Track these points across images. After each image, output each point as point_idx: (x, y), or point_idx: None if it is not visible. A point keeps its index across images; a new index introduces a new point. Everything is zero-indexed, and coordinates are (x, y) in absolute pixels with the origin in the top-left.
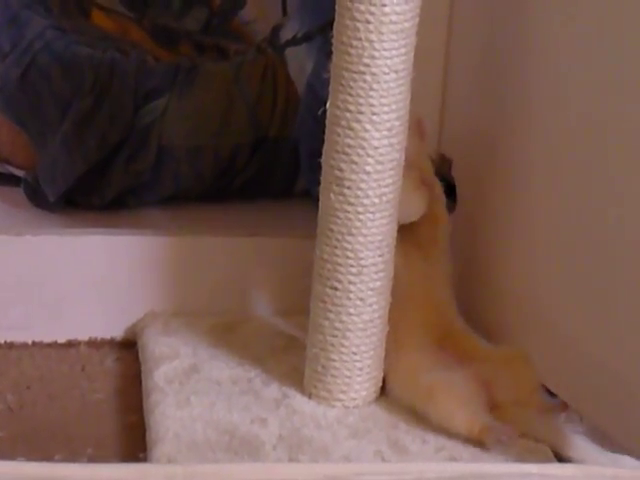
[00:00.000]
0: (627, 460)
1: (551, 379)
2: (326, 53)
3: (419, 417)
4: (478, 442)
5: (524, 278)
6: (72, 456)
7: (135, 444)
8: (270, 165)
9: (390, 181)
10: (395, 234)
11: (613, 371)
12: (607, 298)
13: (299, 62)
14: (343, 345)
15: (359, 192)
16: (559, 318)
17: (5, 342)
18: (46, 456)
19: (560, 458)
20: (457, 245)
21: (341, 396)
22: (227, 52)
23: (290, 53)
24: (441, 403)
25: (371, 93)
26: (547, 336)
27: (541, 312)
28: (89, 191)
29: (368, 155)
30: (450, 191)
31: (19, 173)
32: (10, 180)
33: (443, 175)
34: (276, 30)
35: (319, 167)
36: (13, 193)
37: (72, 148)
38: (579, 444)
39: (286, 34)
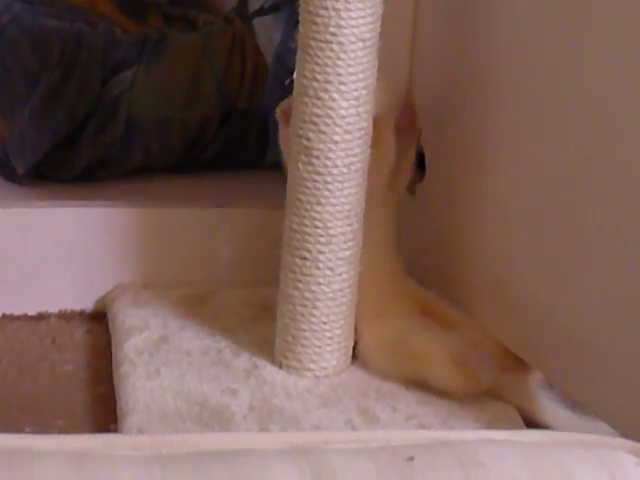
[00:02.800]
0: (603, 426)
1: (522, 347)
2: (294, 23)
3: (389, 386)
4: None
5: (495, 246)
6: (43, 428)
7: (106, 416)
8: (239, 136)
9: (358, 150)
10: (364, 203)
11: (586, 340)
12: (581, 266)
13: (267, 32)
14: (313, 315)
15: (327, 161)
16: (531, 287)
17: None
18: (16, 428)
19: (533, 424)
20: (427, 215)
21: (311, 366)
22: (195, 23)
23: (258, 23)
24: (437, 363)
25: (338, 62)
26: (520, 305)
27: (513, 281)
28: (58, 164)
29: (336, 124)
30: (419, 160)
31: None
32: None
33: None
34: (244, 0)
35: None
36: None
37: (40, 121)
38: (554, 409)
39: (254, 4)
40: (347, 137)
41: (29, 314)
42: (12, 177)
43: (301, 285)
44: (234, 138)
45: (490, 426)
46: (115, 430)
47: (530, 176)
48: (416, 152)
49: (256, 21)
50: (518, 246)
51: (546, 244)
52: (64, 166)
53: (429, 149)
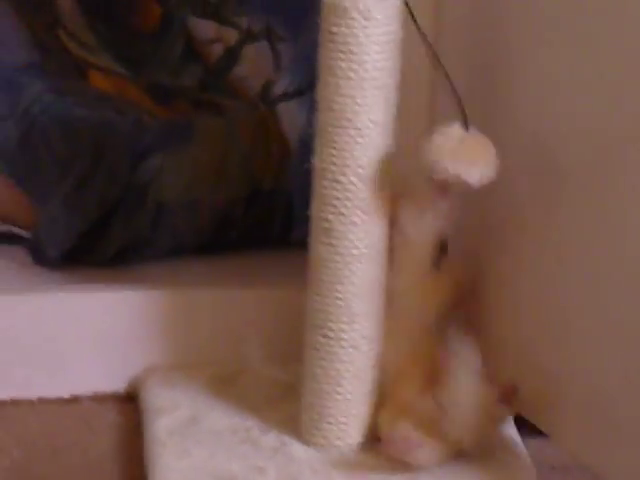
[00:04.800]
0: None
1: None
2: (316, 108)
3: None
4: None
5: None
6: None
7: None
8: (265, 217)
9: (377, 231)
10: (385, 281)
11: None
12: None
13: (291, 116)
14: (337, 392)
15: (347, 243)
16: (538, 347)
17: (11, 400)
18: None
19: None
20: None
21: (338, 442)
22: (222, 108)
23: (282, 108)
24: None
25: (355, 147)
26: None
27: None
28: (90, 248)
29: (355, 206)
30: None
31: (23, 233)
32: (14, 240)
33: None
34: (268, 85)
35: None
36: (16, 252)
37: (72, 208)
38: None
39: (278, 89)
40: (366, 218)
41: (63, 397)
42: (44, 261)
43: (325, 363)
44: (260, 218)
45: None
46: None
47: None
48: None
49: (280, 105)
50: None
51: (548, 298)
52: (96, 251)
53: None
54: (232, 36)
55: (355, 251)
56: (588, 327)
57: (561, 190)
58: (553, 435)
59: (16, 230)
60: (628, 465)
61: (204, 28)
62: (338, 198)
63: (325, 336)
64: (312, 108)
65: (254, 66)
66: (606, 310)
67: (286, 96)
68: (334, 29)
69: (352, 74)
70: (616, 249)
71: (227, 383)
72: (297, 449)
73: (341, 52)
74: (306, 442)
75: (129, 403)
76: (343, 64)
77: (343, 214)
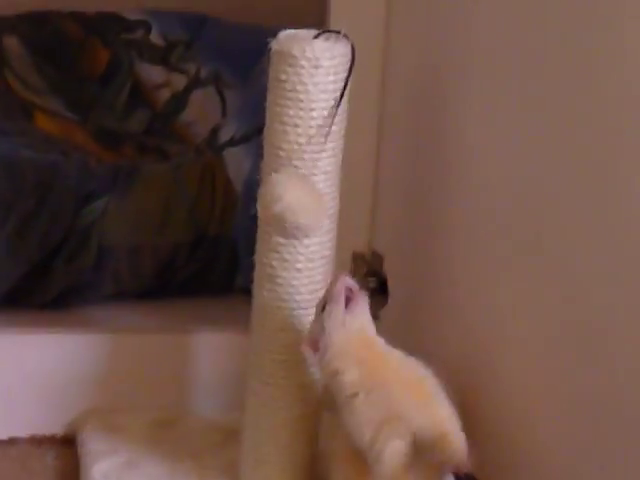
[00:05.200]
0: None
1: None
2: (262, 154)
3: None
4: None
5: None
6: None
7: None
8: (210, 262)
9: (320, 278)
10: None
11: None
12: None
13: (237, 162)
14: (276, 438)
15: (291, 289)
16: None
17: None
18: None
19: None
20: (390, 339)
21: None
22: (168, 153)
23: (228, 153)
24: None
25: None
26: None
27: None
28: (31, 290)
29: (299, 253)
30: (382, 286)
31: None
32: None
33: (375, 271)
34: (215, 131)
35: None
36: None
37: (14, 248)
38: None
39: (225, 135)
40: (310, 265)
41: (0, 439)
42: None
43: (264, 410)
44: (205, 264)
45: None
46: None
47: (487, 297)
48: (379, 279)
49: (226, 151)
50: (482, 363)
51: (509, 359)
52: (37, 293)
53: (392, 274)
54: (179, 81)
55: (298, 297)
56: (535, 388)
57: None
58: None
59: None
60: None
61: (152, 73)
62: (282, 244)
63: (265, 383)
64: (258, 154)
65: (201, 112)
66: (561, 380)
67: (232, 142)
68: (282, 76)
69: (299, 121)
70: None
71: (166, 428)
72: None
73: (289, 99)
74: None
75: (67, 446)
76: (291, 111)
77: (287, 260)
